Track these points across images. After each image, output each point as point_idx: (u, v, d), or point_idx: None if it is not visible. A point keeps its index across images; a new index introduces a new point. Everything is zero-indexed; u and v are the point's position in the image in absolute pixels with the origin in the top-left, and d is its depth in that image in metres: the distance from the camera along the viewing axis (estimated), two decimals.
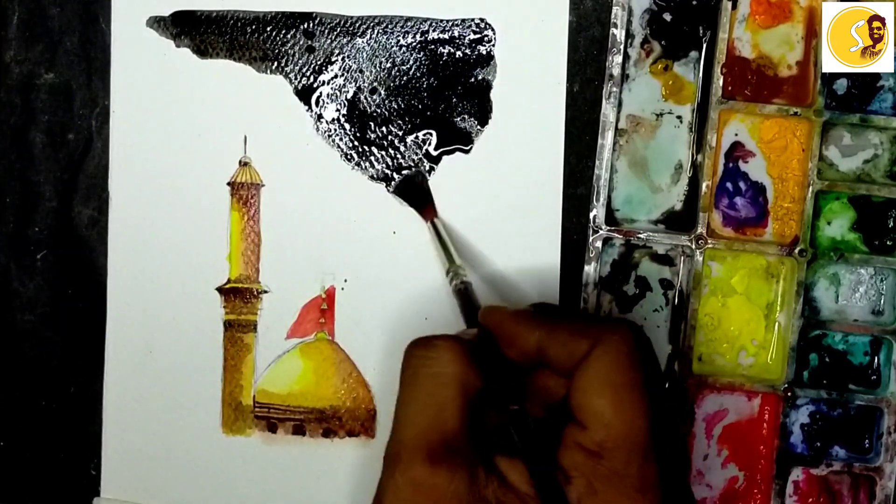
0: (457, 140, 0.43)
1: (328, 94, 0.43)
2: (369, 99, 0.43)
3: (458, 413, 0.31)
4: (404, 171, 0.43)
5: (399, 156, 0.43)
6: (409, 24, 0.43)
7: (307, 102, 0.43)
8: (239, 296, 0.43)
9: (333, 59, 0.43)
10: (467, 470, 0.30)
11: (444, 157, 0.43)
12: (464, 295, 0.39)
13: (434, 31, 0.43)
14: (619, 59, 0.42)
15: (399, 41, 0.43)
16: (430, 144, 0.43)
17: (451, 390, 0.31)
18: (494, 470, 0.31)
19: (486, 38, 0.42)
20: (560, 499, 0.30)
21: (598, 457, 0.31)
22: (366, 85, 0.43)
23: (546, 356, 0.33)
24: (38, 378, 0.44)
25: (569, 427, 0.32)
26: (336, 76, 0.43)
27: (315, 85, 0.43)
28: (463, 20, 0.43)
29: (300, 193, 0.43)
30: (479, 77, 0.43)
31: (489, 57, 0.43)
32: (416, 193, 0.43)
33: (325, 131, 0.43)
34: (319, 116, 0.43)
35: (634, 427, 0.31)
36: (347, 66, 0.43)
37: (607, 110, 0.42)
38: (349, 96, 0.43)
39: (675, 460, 0.33)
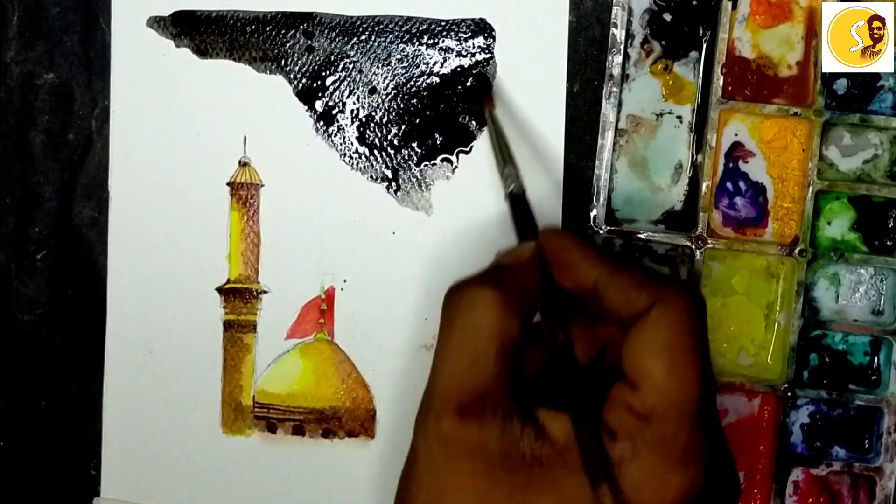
0: (457, 140, 0.43)
1: (328, 95, 0.43)
2: (368, 99, 0.43)
3: (492, 364, 0.30)
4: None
5: (399, 156, 0.43)
6: (408, 23, 0.43)
7: (308, 103, 0.43)
8: (238, 296, 0.43)
9: (333, 59, 0.43)
10: (500, 422, 0.29)
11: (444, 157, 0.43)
12: (520, 202, 0.36)
13: (434, 31, 0.43)
14: (619, 59, 0.42)
15: (399, 41, 0.43)
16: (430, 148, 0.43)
17: (485, 341, 0.30)
18: (532, 421, 0.30)
19: (486, 39, 0.42)
20: (602, 455, 0.29)
21: (646, 420, 0.29)
22: (365, 85, 0.43)
23: (602, 298, 0.32)
24: (38, 378, 0.44)
25: (618, 385, 0.30)
26: (335, 76, 0.43)
27: (315, 85, 0.43)
28: (463, 20, 0.43)
29: (300, 194, 0.43)
30: (479, 77, 0.43)
31: (489, 57, 0.43)
32: (477, 80, 0.41)
33: (324, 132, 0.43)
34: (319, 117, 0.43)
35: (687, 394, 0.29)
36: (346, 66, 0.43)
37: (607, 110, 0.42)
38: (348, 96, 0.43)
39: (717, 427, 0.32)
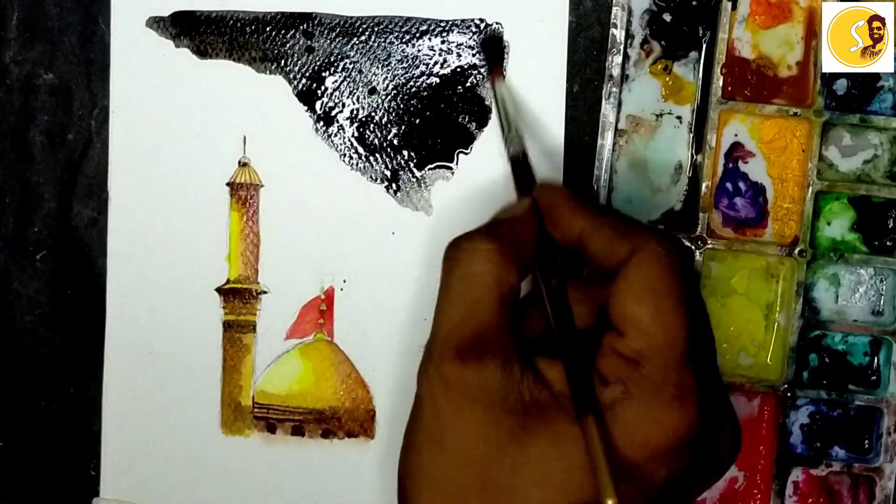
0: (457, 141, 0.43)
1: (328, 95, 0.43)
2: (368, 99, 0.43)
3: (490, 309, 0.31)
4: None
5: (398, 157, 0.43)
6: (408, 24, 0.43)
7: (307, 103, 0.43)
8: (238, 296, 0.43)
9: (333, 59, 0.43)
10: (500, 364, 0.30)
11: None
12: (520, 163, 0.38)
13: (434, 31, 0.43)
14: (618, 59, 0.42)
15: (398, 41, 0.43)
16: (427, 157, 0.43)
17: (482, 287, 0.31)
18: (531, 367, 0.31)
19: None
20: (591, 397, 0.30)
21: (635, 364, 0.30)
22: (365, 85, 0.43)
23: (587, 249, 0.33)
24: (38, 378, 0.44)
25: (607, 334, 0.31)
26: (335, 76, 0.43)
27: (315, 86, 0.43)
28: (463, 20, 0.43)
29: (299, 194, 0.43)
30: (479, 77, 0.43)
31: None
32: (494, 48, 0.42)
33: (324, 132, 0.43)
34: (319, 117, 0.43)
35: (673, 336, 0.30)
36: (346, 67, 0.43)
37: (607, 110, 0.42)
38: (348, 97, 0.43)
39: (714, 374, 0.32)
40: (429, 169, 0.43)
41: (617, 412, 0.30)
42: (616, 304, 0.31)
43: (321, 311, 0.43)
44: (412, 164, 0.43)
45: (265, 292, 0.43)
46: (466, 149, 0.43)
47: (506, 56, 0.42)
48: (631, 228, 0.32)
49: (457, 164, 0.43)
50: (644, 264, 0.31)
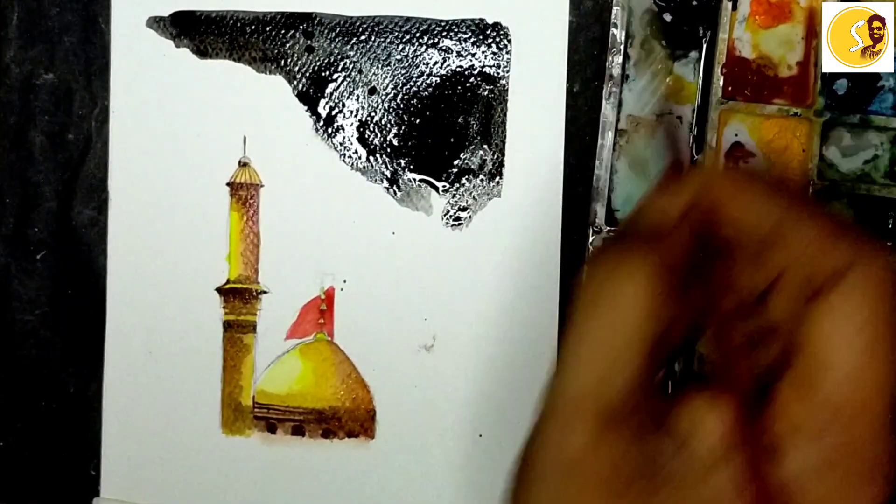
0: (457, 141, 0.43)
1: (328, 95, 0.43)
2: (368, 99, 0.43)
3: (638, 360, 0.24)
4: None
5: (399, 157, 0.43)
6: (408, 24, 0.43)
7: (307, 103, 0.43)
8: (238, 296, 0.43)
9: (333, 59, 0.43)
10: (638, 435, 0.24)
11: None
12: (672, 132, 0.31)
13: (434, 31, 0.43)
14: (619, 59, 0.42)
15: (399, 41, 0.43)
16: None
17: (633, 331, 0.24)
18: (673, 428, 0.24)
19: (485, 39, 0.42)
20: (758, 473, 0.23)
21: (827, 424, 0.23)
22: (365, 85, 0.43)
23: (776, 251, 0.24)
24: (38, 378, 0.44)
25: (793, 372, 0.24)
26: (335, 76, 0.43)
27: (315, 86, 0.43)
28: (463, 20, 0.43)
29: (299, 194, 0.43)
30: (479, 77, 0.43)
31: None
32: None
33: (324, 132, 0.43)
34: (319, 117, 0.43)
35: (882, 390, 0.23)
36: (346, 67, 0.43)
37: (607, 110, 0.42)
38: (348, 97, 0.43)
39: None
40: (419, 181, 0.43)
41: (802, 485, 0.23)
42: (816, 339, 0.23)
43: (321, 311, 0.43)
44: (412, 166, 0.43)
45: (265, 292, 0.43)
46: (466, 150, 0.43)
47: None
48: (847, 230, 0.24)
49: (448, 180, 0.43)
50: (864, 287, 0.23)
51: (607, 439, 0.24)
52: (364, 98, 0.43)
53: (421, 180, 0.43)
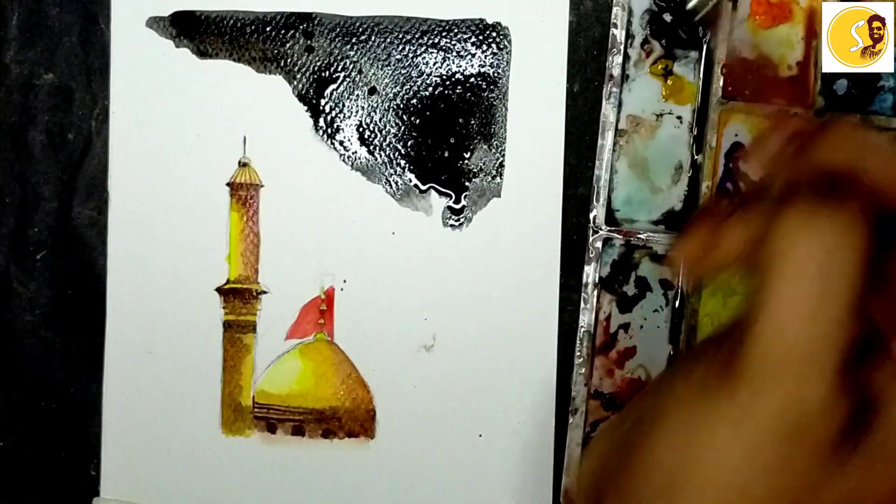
0: (456, 141, 0.43)
1: (328, 95, 0.43)
2: (368, 99, 0.43)
3: (852, 317, 0.22)
4: None
5: (398, 156, 0.43)
6: (408, 24, 0.43)
7: (308, 103, 0.43)
8: (238, 296, 0.43)
9: (333, 59, 0.43)
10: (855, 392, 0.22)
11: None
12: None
13: (434, 31, 0.43)
14: (619, 59, 0.42)
15: (399, 42, 0.43)
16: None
17: (855, 286, 0.22)
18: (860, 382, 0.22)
19: (485, 39, 0.42)
20: None
21: None
22: (365, 85, 0.43)
23: None
24: (38, 378, 0.44)
25: None
26: (335, 76, 0.43)
27: (315, 86, 0.43)
28: (463, 20, 0.43)
29: (299, 194, 0.43)
30: (479, 77, 0.43)
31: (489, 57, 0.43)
32: None
33: (324, 132, 0.43)
34: (319, 118, 0.43)
35: None
36: (346, 67, 0.43)
37: (607, 110, 0.42)
38: (348, 97, 0.43)
39: None
40: (419, 181, 0.43)
41: None
42: None
43: (321, 311, 0.43)
44: (411, 167, 0.43)
45: (265, 292, 0.43)
46: (467, 150, 0.43)
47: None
48: None
49: (456, 195, 0.43)
50: None
51: (845, 392, 0.22)
52: (364, 98, 0.43)
53: (421, 180, 0.43)
